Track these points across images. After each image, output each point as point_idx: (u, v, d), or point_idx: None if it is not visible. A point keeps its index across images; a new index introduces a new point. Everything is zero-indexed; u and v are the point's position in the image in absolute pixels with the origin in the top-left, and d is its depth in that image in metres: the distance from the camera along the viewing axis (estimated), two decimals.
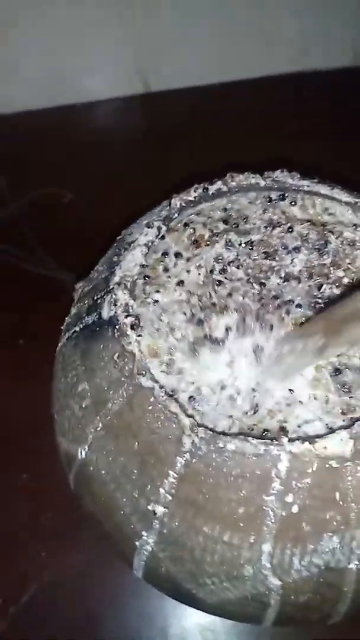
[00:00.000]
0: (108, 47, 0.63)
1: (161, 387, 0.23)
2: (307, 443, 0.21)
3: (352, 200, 0.28)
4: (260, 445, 0.21)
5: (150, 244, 0.27)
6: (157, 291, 0.28)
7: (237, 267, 0.28)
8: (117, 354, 0.25)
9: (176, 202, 0.28)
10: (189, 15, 0.62)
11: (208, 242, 0.29)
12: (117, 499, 0.25)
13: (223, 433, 0.22)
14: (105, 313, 0.26)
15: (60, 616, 0.35)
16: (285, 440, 0.21)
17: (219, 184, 0.29)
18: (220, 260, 0.29)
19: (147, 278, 0.28)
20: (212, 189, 0.29)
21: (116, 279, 0.26)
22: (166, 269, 0.29)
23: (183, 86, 0.66)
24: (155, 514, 0.23)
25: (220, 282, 0.28)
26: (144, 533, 0.24)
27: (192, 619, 0.35)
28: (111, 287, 0.26)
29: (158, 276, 0.29)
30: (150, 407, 0.23)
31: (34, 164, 0.60)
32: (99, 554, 0.36)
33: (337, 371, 0.24)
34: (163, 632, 0.35)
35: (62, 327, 0.30)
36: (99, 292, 0.28)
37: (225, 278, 0.28)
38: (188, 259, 0.29)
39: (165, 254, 0.29)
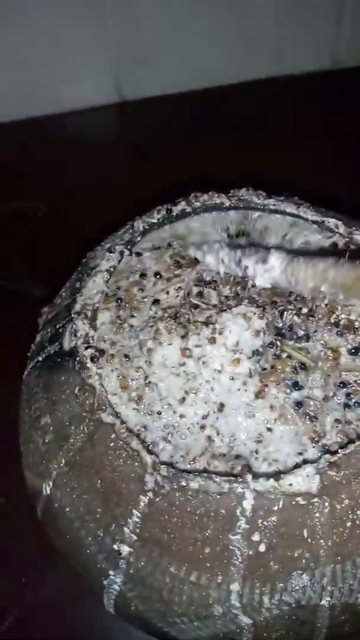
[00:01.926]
0: (83, 56, 0.62)
1: (122, 422, 0.22)
2: (271, 480, 0.20)
3: (319, 218, 0.27)
4: (224, 483, 0.20)
5: (112, 269, 0.26)
6: (132, 315, 0.27)
7: (214, 289, 0.27)
8: (77, 387, 0.24)
9: (139, 224, 0.27)
10: (164, 24, 0.61)
11: (189, 264, 0.28)
12: (83, 538, 0.24)
13: (186, 471, 0.21)
14: (67, 343, 0.25)
15: None
16: (249, 477, 0.20)
17: (182, 205, 0.28)
18: (198, 284, 0.28)
19: (119, 301, 0.27)
20: (176, 210, 0.28)
21: (77, 307, 0.26)
22: (141, 290, 0.28)
23: (159, 94, 0.66)
24: (120, 553, 0.23)
25: (196, 306, 0.27)
26: (110, 572, 0.23)
27: None
28: (72, 315, 0.25)
29: (132, 299, 0.28)
30: (111, 444, 0.22)
31: (8, 176, 0.59)
32: (76, 579, 0.35)
33: (299, 404, 0.24)
34: None
35: (22, 385, 0.29)
36: (60, 321, 0.27)
37: (202, 302, 0.27)
38: (168, 279, 0.28)
39: (143, 275, 0.28)
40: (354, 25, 0.65)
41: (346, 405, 0.24)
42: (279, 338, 0.25)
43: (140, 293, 0.28)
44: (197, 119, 0.64)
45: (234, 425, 0.23)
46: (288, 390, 0.24)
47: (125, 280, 0.28)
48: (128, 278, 0.28)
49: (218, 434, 0.23)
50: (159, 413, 0.24)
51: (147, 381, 0.25)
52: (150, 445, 0.23)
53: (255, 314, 0.24)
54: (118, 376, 0.25)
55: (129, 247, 0.27)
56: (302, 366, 0.24)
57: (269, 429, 0.23)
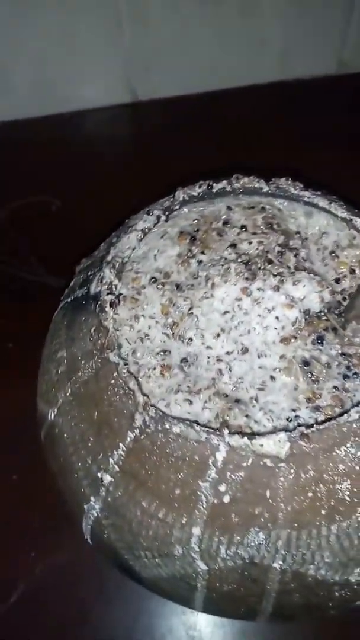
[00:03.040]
0: (97, 56, 0.63)
1: (125, 364, 0.24)
2: (245, 438, 0.22)
3: (348, 216, 0.28)
4: (203, 432, 0.22)
5: (147, 229, 0.28)
6: (203, 252, 0.30)
7: (295, 256, 0.29)
8: (94, 327, 0.26)
9: (179, 194, 0.29)
10: (178, 25, 0.62)
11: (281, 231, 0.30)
12: (74, 463, 0.26)
13: (172, 416, 0.23)
14: (93, 289, 0.28)
15: (47, 615, 0.36)
16: (226, 432, 0.22)
17: (223, 183, 0.30)
18: (282, 246, 0.30)
19: (193, 239, 0.30)
20: (217, 187, 0.30)
21: (108, 257, 0.28)
22: (220, 235, 0.30)
23: (172, 95, 0.67)
24: (102, 481, 0.25)
25: (271, 262, 0.29)
26: (92, 498, 0.26)
27: (177, 618, 0.36)
28: (102, 265, 0.28)
29: (208, 239, 0.30)
30: (112, 381, 0.25)
31: (23, 172, 0.62)
32: (85, 553, 0.37)
33: (306, 363, 0.25)
34: (149, 630, 0.36)
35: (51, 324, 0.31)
36: (93, 269, 0.29)
37: (279, 261, 0.29)
38: (254, 233, 0.30)
39: (226, 223, 0.31)
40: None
41: (345, 376, 0.25)
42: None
43: (218, 237, 0.30)
44: (206, 120, 0.65)
45: (246, 367, 0.25)
46: (309, 346, 0.26)
47: (207, 225, 0.31)
48: (211, 224, 0.31)
49: (230, 370, 0.25)
50: (190, 340, 0.26)
51: (189, 311, 0.27)
52: (164, 370, 0.25)
53: (329, 288, 0.27)
54: (163, 301, 0.28)
55: (166, 213, 0.29)
56: (334, 330, 0.26)
57: (273, 378, 0.25)
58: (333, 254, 0.29)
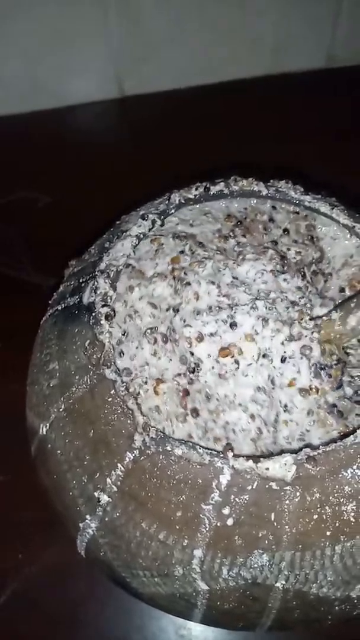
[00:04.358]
0: (87, 50, 0.62)
1: (123, 381, 0.23)
2: (250, 461, 0.21)
3: (350, 223, 0.27)
4: (206, 455, 0.21)
5: (141, 235, 0.27)
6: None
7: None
8: (88, 341, 0.25)
9: (175, 197, 0.28)
10: (168, 19, 0.61)
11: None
12: (68, 480, 0.25)
13: (172, 438, 0.22)
14: (86, 298, 0.26)
15: (38, 614, 0.36)
16: (230, 454, 0.21)
17: (221, 185, 0.29)
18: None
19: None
20: (214, 189, 0.29)
21: (102, 265, 0.27)
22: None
23: (162, 89, 0.66)
24: (99, 501, 0.24)
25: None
26: (87, 517, 0.25)
27: (168, 617, 0.36)
28: (96, 273, 0.27)
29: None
30: (109, 399, 0.24)
31: (10, 168, 0.60)
32: (74, 552, 0.37)
33: (334, 406, 0.25)
34: (140, 629, 0.35)
35: (39, 330, 0.30)
36: (84, 276, 0.28)
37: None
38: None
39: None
40: (349, 25, 0.65)
41: (357, 402, 0.25)
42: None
43: (263, 230, 0.31)
44: (196, 115, 0.64)
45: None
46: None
47: (253, 215, 0.31)
48: (256, 215, 0.31)
49: (266, 425, 0.25)
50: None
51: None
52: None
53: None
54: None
55: (162, 217, 0.28)
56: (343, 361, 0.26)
57: (308, 430, 0.25)
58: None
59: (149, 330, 0.26)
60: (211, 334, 0.26)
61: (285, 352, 0.26)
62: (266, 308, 0.26)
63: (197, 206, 0.31)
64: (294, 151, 0.52)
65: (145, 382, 0.26)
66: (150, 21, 0.61)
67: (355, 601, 0.24)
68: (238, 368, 0.26)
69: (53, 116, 0.65)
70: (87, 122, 0.65)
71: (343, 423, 0.24)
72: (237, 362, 0.26)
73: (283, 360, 0.26)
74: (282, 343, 0.25)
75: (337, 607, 0.24)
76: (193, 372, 0.26)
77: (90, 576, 0.37)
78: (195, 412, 0.26)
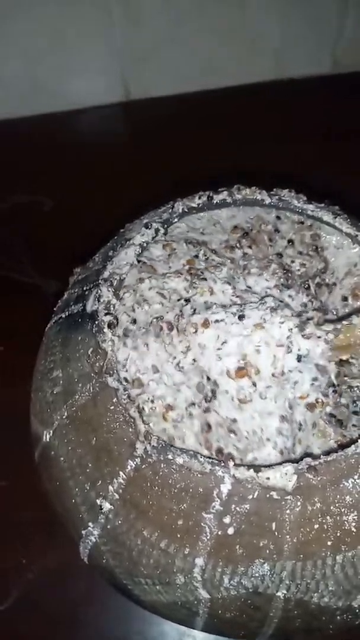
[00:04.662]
0: (90, 53, 0.62)
1: (125, 389, 0.23)
2: (251, 470, 0.21)
3: (353, 232, 0.27)
4: (207, 464, 0.22)
5: (145, 244, 0.27)
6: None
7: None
8: (91, 349, 0.25)
9: (179, 206, 0.28)
10: (172, 22, 0.61)
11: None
12: (71, 487, 0.25)
13: (173, 446, 0.22)
14: (89, 306, 0.27)
15: (38, 615, 0.36)
16: (231, 464, 0.21)
17: (224, 194, 0.29)
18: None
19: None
20: (217, 198, 0.29)
21: (106, 274, 0.27)
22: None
23: (165, 94, 0.66)
24: (101, 509, 0.24)
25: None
26: (90, 524, 0.25)
27: (170, 623, 0.34)
28: (99, 281, 0.27)
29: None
30: (111, 407, 0.24)
31: (15, 172, 0.60)
32: (75, 554, 0.37)
33: (332, 416, 0.25)
34: (142, 634, 0.35)
35: (42, 334, 0.30)
36: (88, 284, 0.28)
37: None
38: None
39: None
40: (355, 29, 0.64)
41: (355, 412, 0.25)
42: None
43: (269, 242, 0.31)
44: (200, 119, 0.64)
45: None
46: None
47: (258, 226, 0.32)
48: (260, 226, 0.32)
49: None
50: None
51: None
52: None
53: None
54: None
55: (165, 225, 0.28)
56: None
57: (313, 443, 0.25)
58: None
59: (155, 320, 0.26)
60: (217, 321, 0.25)
61: (299, 349, 0.25)
62: (274, 304, 0.26)
63: (206, 216, 0.31)
64: (296, 155, 0.52)
65: (152, 401, 0.26)
66: (155, 24, 0.61)
67: (357, 611, 0.24)
68: (256, 390, 0.26)
69: (53, 118, 0.65)
70: (91, 126, 0.66)
71: (341, 432, 0.24)
72: (254, 384, 0.26)
73: (299, 359, 0.25)
74: (291, 330, 0.25)
75: (338, 617, 0.24)
76: (210, 401, 0.26)
77: (90, 577, 0.37)
78: (220, 453, 0.25)
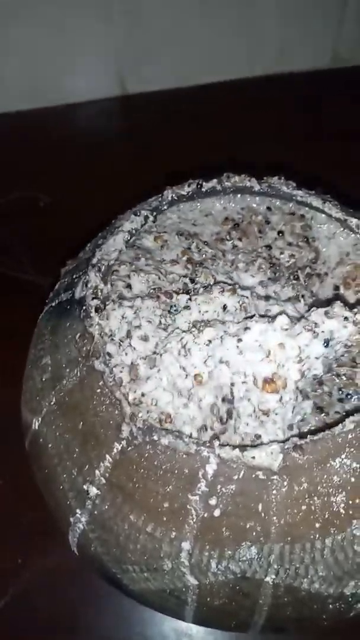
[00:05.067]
0: (88, 48, 0.62)
1: (111, 372, 0.23)
2: (236, 450, 0.21)
3: (342, 217, 0.27)
4: (192, 444, 0.21)
5: (133, 230, 0.27)
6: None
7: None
8: (79, 334, 0.25)
9: (168, 194, 0.28)
10: (171, 17, 0.61)
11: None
12: (59, 474, 0.25)
13: (159, 427, 0.22)
14: (78, 293, 0.27)
15: (37, 620, 0.35)
16: (216, 444, 0.21)
17: (213, 182, 0.29)
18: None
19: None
20: (207, 186, 0.29)
21: (94, 260, 0.27)
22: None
23: (164, 88, 0.66)
24: (88, 494, 0.24)
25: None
26: (78, 511, 0.25)
27: (169, 623, 0.35)
28: (87, 268, 0.27)
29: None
30: (98, 390, 0.24)
31: (10, 167, 0.61)
32: (73, 558, 0.36)
33: (316, 405, 0.25)
34: (141, 636, 0.35)
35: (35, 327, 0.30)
36: (78, 272, 0.28)
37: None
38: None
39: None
40: (355, 24, 0.64)
41: (340, 399, 0.25)
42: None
43: (258, 233, 0.32)
44: (198, 114, 0.64)
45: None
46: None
47: (249, 217, 0.32)
48: (251, 217, 0.32)
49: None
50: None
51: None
52: None
53: None
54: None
55: (154, 213, 0.28)
56: None
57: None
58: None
59: (152, 291, 0.26)
60: (217, 282, 0.25)
61: (324, 332, 0.23)
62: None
63: (198, 206, 0.31)
64: (294, 151, 0.52)
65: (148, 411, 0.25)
66: (153, 20, 0.61)
67: (350, 599, 0.23)
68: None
69: (53, 114, 0.66)
70: (88, 121, 0.66)
71: (323, 420, 0.24)
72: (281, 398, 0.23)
73: (327, 344, 0.23)
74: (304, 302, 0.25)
75: (330, 605, 0.24)
76: (225, 422, 0.24)
77: (89, 577, 0.36)
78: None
